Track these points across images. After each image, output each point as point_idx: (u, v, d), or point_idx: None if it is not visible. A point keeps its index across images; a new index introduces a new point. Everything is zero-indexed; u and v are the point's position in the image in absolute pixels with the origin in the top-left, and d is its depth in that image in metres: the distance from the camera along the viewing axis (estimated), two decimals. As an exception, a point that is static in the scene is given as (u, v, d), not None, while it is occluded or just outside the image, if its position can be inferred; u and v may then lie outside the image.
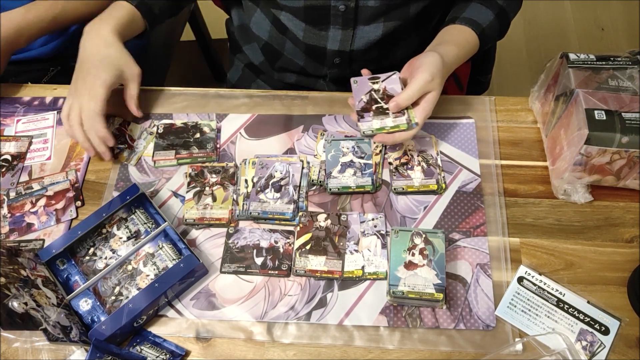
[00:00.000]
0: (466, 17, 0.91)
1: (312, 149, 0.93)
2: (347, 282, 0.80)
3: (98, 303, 0.79)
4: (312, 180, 0.88)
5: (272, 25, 1.01)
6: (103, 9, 0.95)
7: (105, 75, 0.89)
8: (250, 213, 0.84)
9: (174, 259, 0.81)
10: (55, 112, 1.00)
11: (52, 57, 1.18)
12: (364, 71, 0.89)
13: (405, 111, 0.82)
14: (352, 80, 0.86)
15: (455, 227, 0.84)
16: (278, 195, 0.86)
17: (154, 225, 0.84)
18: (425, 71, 0.81)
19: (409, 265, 0.76)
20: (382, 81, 0.85)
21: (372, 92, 0.84)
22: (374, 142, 0.90)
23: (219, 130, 0.96)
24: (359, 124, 0.83)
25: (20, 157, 0.95)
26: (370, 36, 0.95)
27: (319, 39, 0.97)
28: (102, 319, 0.76)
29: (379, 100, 0.84)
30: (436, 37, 0.92)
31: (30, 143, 0.96)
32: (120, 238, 0.84)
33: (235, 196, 0.87)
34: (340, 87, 1.06)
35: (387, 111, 0.83)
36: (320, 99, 0.99)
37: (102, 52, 0.90)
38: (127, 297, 0.79)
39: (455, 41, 0.89)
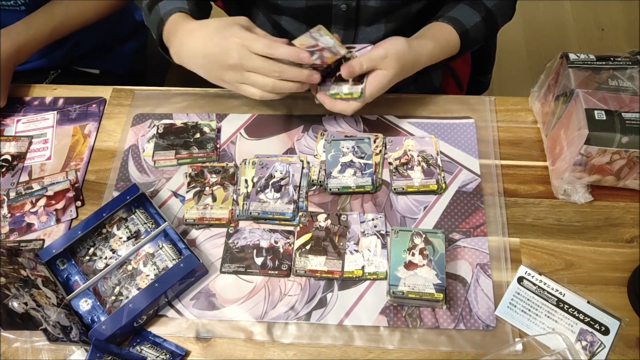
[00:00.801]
0: (450, 16, 0.90)
1: (312, 149, 0.93)
2: (347, 282, 0.80)
3: (98, 303, 0.79)
4: (312, 180, 0.88)
5: (274, 29, 1.01)
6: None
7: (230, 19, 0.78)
8: (250, 213, 0.84)
9: (174, 259, 0.81)
10: (55, 112, 1.00)
11: (51, 67, 1.18)
12: (335, 36, 0.85)
13: (365, 81, 0.81)
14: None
15: (455, 227, 0.84)
16: (278, 195, 0.86)
17: (154, 225, 0.84)
18: (380, 47, 0.80)
19: (409, 265, 0.76)
20: (357, 51, 0.84)
21: (342, 60, 0.83)
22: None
23: (219, 130, 0.96)
24: (319, 86, 0.82)
25: (20, 157, 0.95)
26: (372, 37, 0.95)
27: None
28: (102, 319, 0.76)
29: None
30: (418, 32, 0.91)
31: (30, 143, 0.96)
32: (120, 238, 0.84)
33: (235, 196, 0.87)
34: None
35: (347, 79, 0.82)
36: (320, 99, 0.99)
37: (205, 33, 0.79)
38: (127, 297, 0.79)
39: (433, 37, 0.89)
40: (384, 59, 0.80)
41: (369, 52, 0.81)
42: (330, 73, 0.83)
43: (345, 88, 0.82)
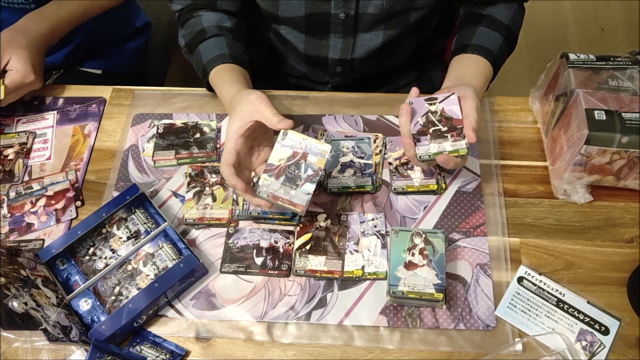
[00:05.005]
0: (477, 45, 0.88)
1: (312, 149, 0.93)
2: (347, 282, 0.80)
3: (98, 303, 0.79)
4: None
5: (274, 36, 1.01)
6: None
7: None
8: (250, 213, 0.84)
9: (174, 259, 0.81)
10: (55, 112, 1.00)
11: (54, 67, 1.18)
12: (414, 90, 0.82)
13: (465, 135, 0.77)
14: (407, 102, 0.80)
15: (455, 227, 0.84)
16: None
17: (154, 225, 0.84)
18: (473, 100, 0.77)
19: (409, 265, 0.76)
20: (440, 102, 0.78)
21: (430, 114, 0.79)
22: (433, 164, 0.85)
23: (219, 130, 0.96)
24: (416, 148, 0.77)
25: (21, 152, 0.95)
26: (370, 44, 0.95)
27: (320, 48, 0.97)
28: (102, 319, 0.76)
29: (437, 122, 0.78)
30: (454, 68, 0.88)
31: (35, 137, 0.96)
32: (120, 238, 0.84)
33: (235, 196, 0.87)
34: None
35: (446, 135, 0.77)
36: (321, 99, 0.99)
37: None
38: (127, 297, 0.79)
39: (478, 75, 0.87)
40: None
41: (472, 105, 0.76)
42: (422, 131, 0.78)
43: (447, 145, 0.76)
